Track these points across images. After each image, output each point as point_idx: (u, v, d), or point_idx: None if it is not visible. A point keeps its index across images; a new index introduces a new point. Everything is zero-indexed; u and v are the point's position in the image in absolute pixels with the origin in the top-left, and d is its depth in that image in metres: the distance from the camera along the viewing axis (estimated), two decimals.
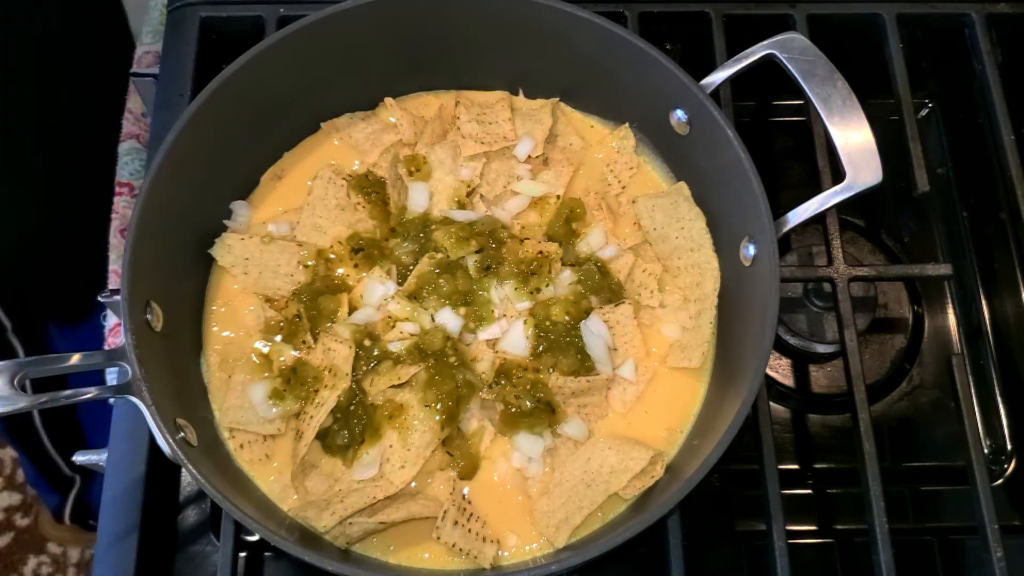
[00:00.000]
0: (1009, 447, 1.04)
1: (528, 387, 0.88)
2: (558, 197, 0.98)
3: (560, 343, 0.90)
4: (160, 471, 0.91)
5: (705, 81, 0.93)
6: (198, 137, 0.88)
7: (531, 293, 0.92)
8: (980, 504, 0.86)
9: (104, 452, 0.93)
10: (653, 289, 0.94)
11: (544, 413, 0.87)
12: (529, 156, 0.99)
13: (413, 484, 0.85)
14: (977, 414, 1.03)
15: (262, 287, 0.93)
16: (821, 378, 1.06)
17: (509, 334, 0.90)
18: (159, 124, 1.04)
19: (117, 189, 1.14)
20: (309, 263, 0.94)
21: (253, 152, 0.99)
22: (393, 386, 0.87)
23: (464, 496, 0.84)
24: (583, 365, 0.90)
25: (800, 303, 1.06)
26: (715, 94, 0.94)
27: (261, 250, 0.93)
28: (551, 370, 0.89)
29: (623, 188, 1.00)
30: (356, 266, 0.94)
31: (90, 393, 0.78)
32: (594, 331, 0.91)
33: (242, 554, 0.91)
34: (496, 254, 0.93)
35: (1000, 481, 1.02)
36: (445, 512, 0.82)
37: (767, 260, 0.84)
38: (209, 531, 0.94)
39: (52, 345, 1.50)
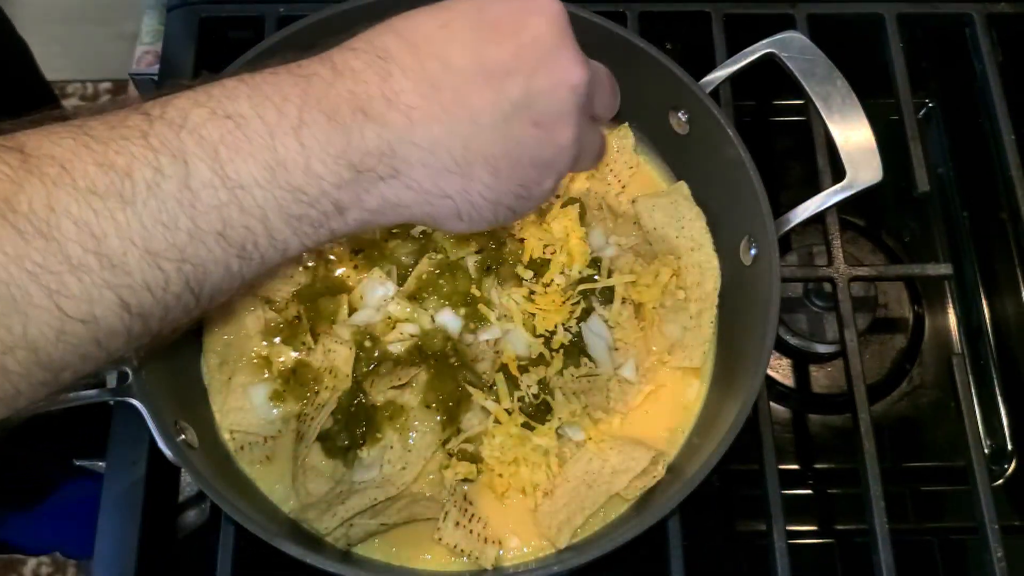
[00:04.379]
0: (1009, 447, 1.04)
1: (529, 387, 0.88)
2: (558, 197, 0.98)
3: (561, 343, 0.90)
4: (160, 472, 0.91)
5: (705, 80, 0.93)
6: None
7: (532, 293, 0.92)
8: (980, 504, 0.86)
9: None
10: None
11: (545, 413, 0.88)
12: None
13: (414, 485, 0.85)
14: (977, 414, 1.03)
15: (262, 288, 0.93)
16: (821, 378, 1.06)
17: (510, 334, 0.90)
18: None
19: None
20: (309, 264, 0.93)
21: None
22: (394, 387, 0.87)
23: (465, 497, 0.84)
24: (584, 365, 0.90)
25: (800, 303, 1.06)
26: (715, 94, 0.94)
27: None
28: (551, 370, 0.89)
29: (623, 188, 1.00)
30: (356, 267, 0.94)
31: (90, 396, 0.78)
32: (594, 331, 0.91)
33: (242, 555, 0.90)
34: (496, 254, 0.93)
35: (1000, 481, 1.02)
36: (446, 513, 0.82)
37: (768, 260, 0.84)
38: (209, 532, 0.94)
39: None
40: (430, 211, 0.59)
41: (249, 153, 0.52)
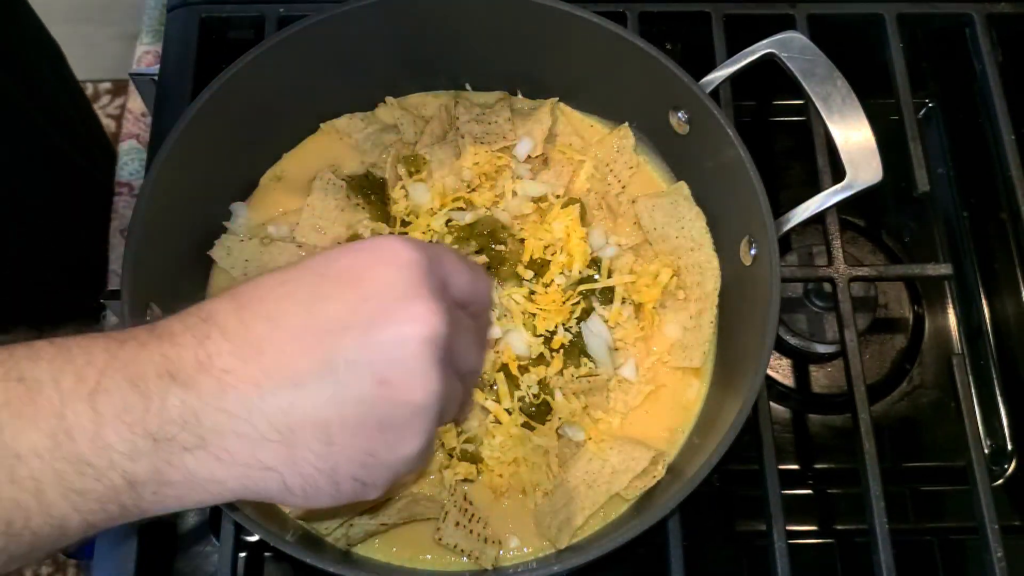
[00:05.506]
0: (1009, 447, 1.04)
1: (529, 387, 0.88)
2: (558, 197, 0.98)
3: (561, 343, 0.90)
4: None
5: (705, 80, 0.92)
6: (198, 138, 0.87)
7: (532, 293, 0.92)
8: (980, 504, 0.86)
9: None
10: None
11: (545, 414, 0.88)
12: (529, 156, 0.99)
13: (414, 485, 0.85)
14: (977, 414, 1.03)
15: None
16: (821, 378, 1.06)
17: (510, 334, 0.90)
18: (159, 124, 1.04)
19: (117, 189, 1.14)
20: None
21: (253, 153, 0.99)
22: None
23: (465, 497, 0.84)
24: (584, 365, 0.90)
25: (800, 303, 1.06)
26: (715, 94, 0.94)
27: (260, 252, 0.93)
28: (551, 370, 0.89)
29: (623, 188, 1.00)
30: None
31: None
32: (594, 331, 0.91)
33: (242, 555, 0.90)
34: (496, 254, 0.93)
35: (1000, 481, 1.02)
36: (446, 514, 0.82)
37: (768, 260, 0.84)
38: (209, 532, 0.94)
39: None
40: (250, 485, 0.53)
41: (32, 419, 0.48)
